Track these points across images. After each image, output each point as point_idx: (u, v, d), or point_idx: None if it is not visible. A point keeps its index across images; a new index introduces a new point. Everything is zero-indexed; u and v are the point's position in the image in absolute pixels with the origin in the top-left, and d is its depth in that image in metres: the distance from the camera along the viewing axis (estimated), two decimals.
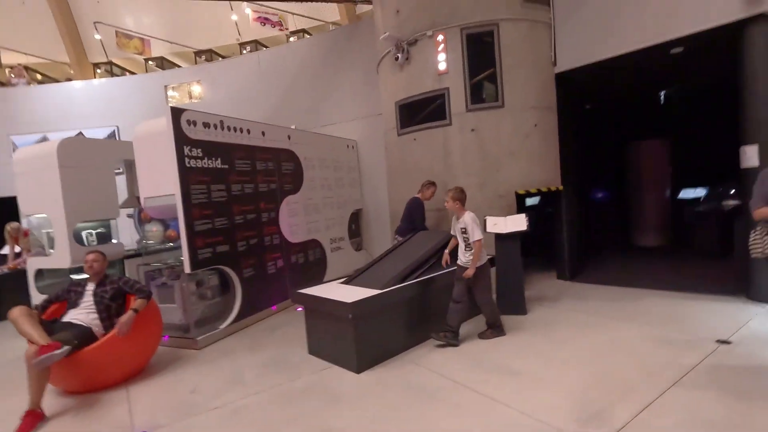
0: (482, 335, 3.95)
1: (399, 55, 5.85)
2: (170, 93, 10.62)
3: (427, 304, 4.02)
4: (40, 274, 5.59)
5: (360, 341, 3.43)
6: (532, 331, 4.04)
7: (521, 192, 5.54)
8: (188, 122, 4.40)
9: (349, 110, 8.47)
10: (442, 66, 5.59)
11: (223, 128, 4.85)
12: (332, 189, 7.11)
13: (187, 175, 4.32)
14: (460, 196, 3.90)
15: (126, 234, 7.69)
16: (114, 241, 6.12)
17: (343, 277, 4.41)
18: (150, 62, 12.48)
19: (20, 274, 5.79)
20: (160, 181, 4.38)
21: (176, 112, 4.28)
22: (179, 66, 12.73)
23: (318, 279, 6.43)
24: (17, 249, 6.39)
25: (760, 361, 3.04)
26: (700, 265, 6.14)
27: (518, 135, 5.61)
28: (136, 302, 3.60)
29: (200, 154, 4.50)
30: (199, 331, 4.52)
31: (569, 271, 5.89)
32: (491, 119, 5.56)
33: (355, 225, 8.07)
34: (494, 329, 3.97)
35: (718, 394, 2.64)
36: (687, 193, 8.12)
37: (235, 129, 5.03)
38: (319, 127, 8.22)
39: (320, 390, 3.19)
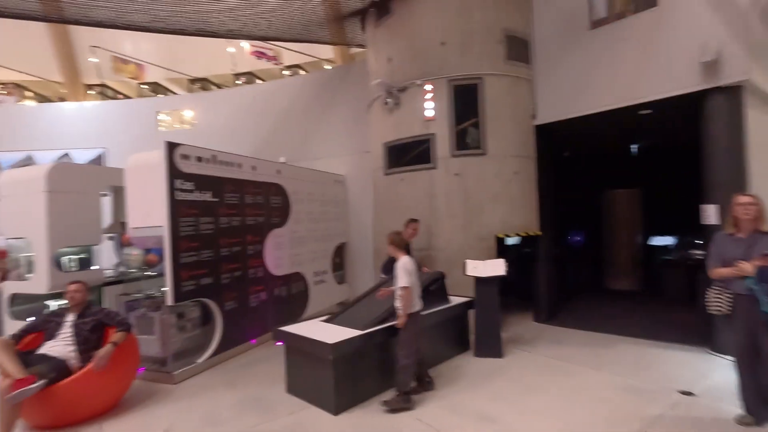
0: (387, 402, 3.49)
1: (389, 100, 6.16)
2: (161, 117, 10.72)
3: None
4: (13, 297, 5.46)
5: (339, 382, 3.47)
6: (508, 376, 4.14)
7: (501, 236, 5.76)
8: (182, 156, 4.51)
9: (339, 146, 8.71)
10: (429, 113, 5.89)
11: (215, 162, 4.98)
12: (318, 222, 7.22)
13: (176, 208, 4.40)
14: (395, 240, 3.80)
15: (104, 255, 7.58)
16: (95, 267, 6.05)
17: (325, 315, 4.47)
18: (143, 86, 12.63)
19: None
20: (150, 212, 4.43)
21: (171, 147, 4.40)
22: (173, 92, 12.92)
23: (300, 311, 6.44)
24: None
25: (720, 414, 3.20)
26: (668, 311, 6.41)
27: (500, 181, 5.89)
28: (115, 335, 3.59)
29: (191, 188, 4.60)
30: (176, 365, 4.47)
31: (545, 314, 6.07)
32: (474, 165, 5.84)
33: (339, 258, 8.15)
34: (402, 396, 3.50)
35: None
36: (657, 241, 8.53)
37: (227, 163, 5.16)
38: (308, 161, 8.41)
39: None
